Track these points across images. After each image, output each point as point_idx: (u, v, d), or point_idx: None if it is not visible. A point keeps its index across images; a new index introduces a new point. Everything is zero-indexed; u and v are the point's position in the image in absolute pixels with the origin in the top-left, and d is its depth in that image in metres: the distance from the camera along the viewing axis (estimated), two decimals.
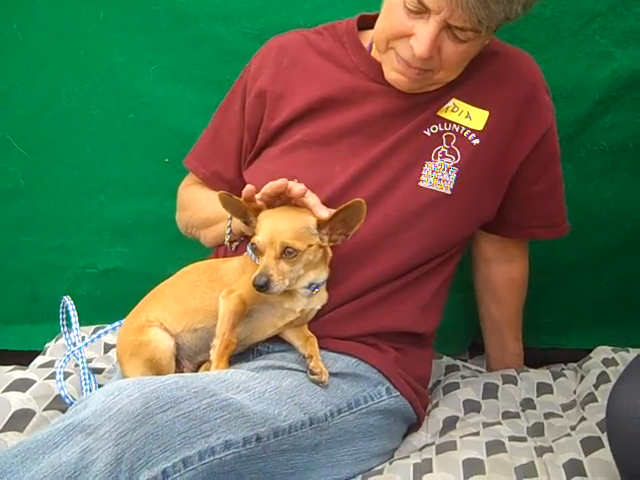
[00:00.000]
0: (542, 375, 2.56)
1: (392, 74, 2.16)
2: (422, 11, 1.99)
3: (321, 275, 2.03)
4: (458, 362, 2.73)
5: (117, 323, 2.21)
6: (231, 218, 2.21)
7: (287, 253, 1.90)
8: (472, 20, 1.96)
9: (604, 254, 2.87)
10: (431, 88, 2.18)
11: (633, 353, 2.54)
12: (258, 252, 1.93)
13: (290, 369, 2.01)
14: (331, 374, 2.03)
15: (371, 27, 2.26)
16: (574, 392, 2.44)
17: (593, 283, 2.92)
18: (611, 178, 2.77)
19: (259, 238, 1.92)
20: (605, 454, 1.90)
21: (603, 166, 2.75)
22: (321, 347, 2.06)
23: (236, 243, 2.25)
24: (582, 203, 2.59)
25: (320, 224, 1.95)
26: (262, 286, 1.88)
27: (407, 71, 2.11)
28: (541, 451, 2.00)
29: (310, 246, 1.94)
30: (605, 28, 2.61)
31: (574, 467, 1.90)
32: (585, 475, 1.87)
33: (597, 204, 2.78)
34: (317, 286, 2.02)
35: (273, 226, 1.93)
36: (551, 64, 2.31)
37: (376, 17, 2.19)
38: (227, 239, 2.24)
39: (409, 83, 2.15)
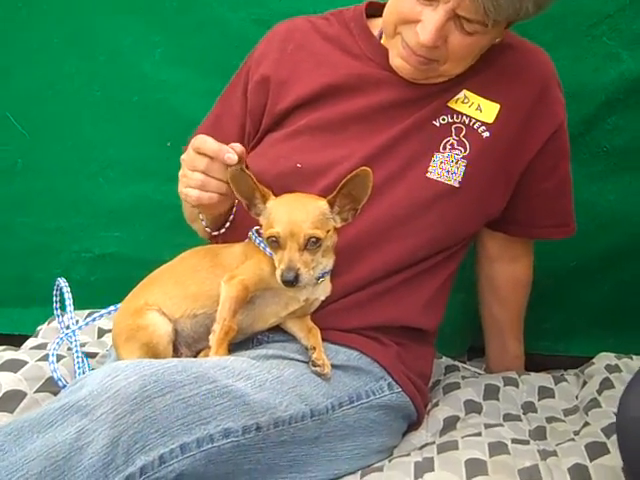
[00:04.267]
0: (543, 379, 2.52)
1: (397, 60, 2.12)
2: None
3: (330, 262, 1.99)
4: (457, 363, 2.69)
5: (112, 307, 2.15)
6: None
7: (311, 244, 1.85)
8: (479, 12, 1.93)
9: (607, 258, 2.83)
10: (437, 80, 2.14)
11: (637, 360, 2.52)
12: (277, 245, 1.87)
13: (291, 359, 1.97)
14: (333, 366, 1.98)
15: (380, 15, 2.22)
16: (576, 397, 2.40)
17: (596, 288, 2.88)
18: (615, 180, 2.74)
19: (278, 230, 1.85)
20: (610, 460, 1.87)
21: (606, 168, 2.73)
22: (322, 339, 2.02)
23: (224, 228, 2.18)
24: (585, 205, 2.53)
25: (329, 203, 1.90)
26: (292, 281, 1.83)
27: (411, 58, 2.07)
28: (545, 455, 1.96)
29: (328, 232, 1.89)
30: (614, 30, 2.59)
31: (579, 472, 1.86)
32: None
33: (600, 206, 2.75)
34: (323, 274, 1.97)
35: (290, 217, 1.86)
36: (558, 64, 2.26)
37: (384, 5, 2.16)
38: (205, 225, 2.19)
39: (412, 71, 2.11)
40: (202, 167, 1.96)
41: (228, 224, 2.17)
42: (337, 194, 1.88)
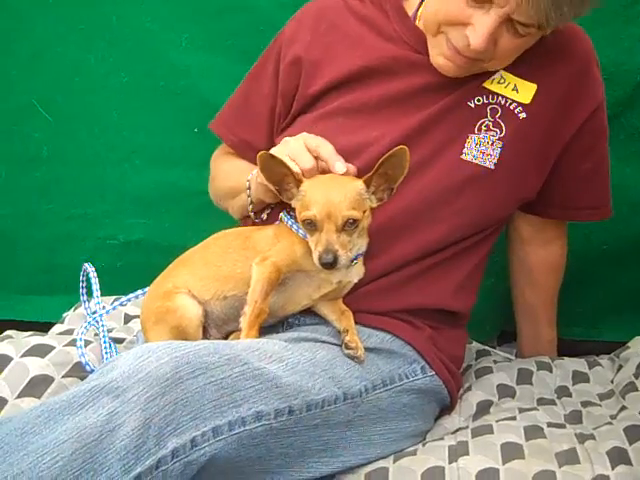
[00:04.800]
0: (577, 363, 2.48)
1: (439, 59, 2.07)
2: (484, 1, 1.90)
3: (364, 243, 1.96)
4: (488, 348, 2.65)
5: (140, 291, 2.14)
6: (249, 187, 2.12)
7: (348, 225, 1.82)
8: (540, 19, 1.89)
9: None
10: (476, 72, 2.10)
11: None
12: (313, 227, 1.84)
13: (323, 342, 1.95)
14: (366, 349, 1.96)
15: None
16: (611, 382, 2.37)
17: (628, 271, 2.84)
18: None
19: (314, 212, 1.82)
20: None
21: None
22: (355, 321, 1.99)
23: (265, 213, 2.16)
24: (619, 187, 2.45)
25: (365, 183, 1.86)
26: (330, 263, 1.80)
27: (456, 58, 2.02)
28: (582, 438, 1.93)
29: (364, 212, 1.86)
30: None
31: (618, 455, 1.83)
32: (630, 464, 1.80)
33: (634, 189, 2.71)
34: (357, 256, 1.94)
35: (327, 198, 1.82)
36: (593, 45, 2.23)
37: None
38: (250, 209, 2.16)
39: (456, 70, 2.06)
40: (307, 166, 1.94)
41: (269, 210, 2.15)
42: (373, 174, 1.85)
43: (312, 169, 1.94)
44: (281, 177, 1.88)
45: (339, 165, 1.93)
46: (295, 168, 1.90)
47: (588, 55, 2.17)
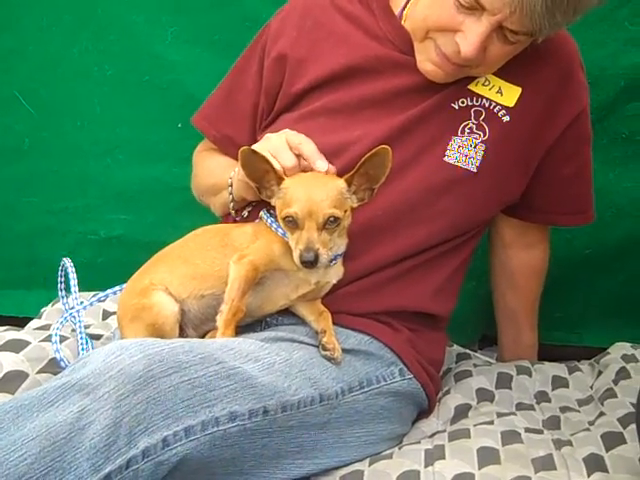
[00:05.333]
0: (557, 368, 2.47)
1: (427, 65, 2.05)
2: (475, 8, 1.88)
3: (343, 244, 1.94)
4: (469, 351, 2.63)
5: (118, 287, 2.10)
6: (232, 185, 2.10)
7: (329, 223, 1.80)
8: (533, 27, 1.88)
9: (623, 246, 2.78)
10: (462, 77, 2.08)
11: None
12: (294, 225, 1.82)
13: (301, 342, 1.93)
14: (343, 350, 1.94)
15: None
16: (591, 387, 2.35)
17: (611, 277, 2.84)
18: (633, 167, 2.69)
19: (295, 210, 1.80)
20: (627, 450, 1.84)
21: (624, 155, 2.69)
22: (333, 323, 1.97)
23: (246, 211, 2.14)
24: (602, 192, 2.46)
25: (347, 182, 1.85)
26: (311, 262, 1.78)
27: (445, 65, 2.01)
28: (559, 444, 1.92)
29: (346, 211, 1.85)
30: (635, 14, 2.54)
31: (595, 462, 1.82)
32: (606, 471, 1.79)
33: (617, 193, 2.70)
34: (336, 257, 1.92)
35: (309, 196, 1.81)
36: (579, 48, 2.22)
37: None
38: (231, 206, 2.14)
39: (444, 76, 2.05)
40: (288, 164, 1.91)
41: (250, 208, 2.13)
42: (355, 173, 1.83)
43: (293, 167, 1.91)
44: (262, 174, 1.86)
45: (320, 163, 1.90)
46: (276, 165, 1.88)
47: (573, 59, 2.16)
